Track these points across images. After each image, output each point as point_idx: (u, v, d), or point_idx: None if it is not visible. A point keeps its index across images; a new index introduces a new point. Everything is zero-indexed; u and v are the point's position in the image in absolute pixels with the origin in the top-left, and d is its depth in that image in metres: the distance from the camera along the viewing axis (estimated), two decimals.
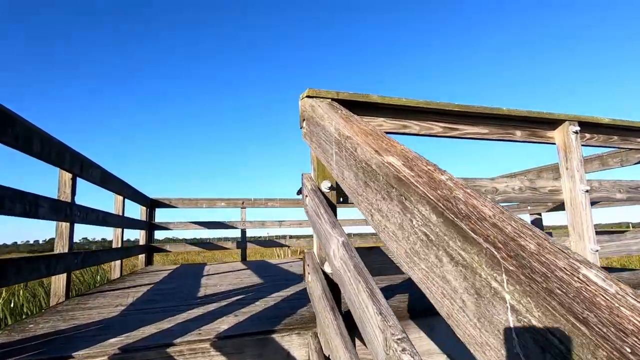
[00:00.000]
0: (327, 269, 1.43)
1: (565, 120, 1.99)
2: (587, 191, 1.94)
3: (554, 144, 2.08)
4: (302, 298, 2.14)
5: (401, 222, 0.74)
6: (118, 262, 3.78)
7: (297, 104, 1.59)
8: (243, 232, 5.85)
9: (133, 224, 4.47)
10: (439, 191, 0.69)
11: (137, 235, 5.27)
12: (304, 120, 1.55)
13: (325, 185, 1.47)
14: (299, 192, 5.80)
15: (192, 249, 5.69)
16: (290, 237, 6.89)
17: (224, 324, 1.58)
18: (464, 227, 0.57)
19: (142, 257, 5.06)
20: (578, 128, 1.98)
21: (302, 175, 1.60)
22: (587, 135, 2.12)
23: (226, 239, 6.35)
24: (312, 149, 1.50)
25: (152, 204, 5.44)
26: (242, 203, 5.90)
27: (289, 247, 6.44)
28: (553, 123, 2.02)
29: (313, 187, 1.47)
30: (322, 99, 1.52)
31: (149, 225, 5.31)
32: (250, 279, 3.21)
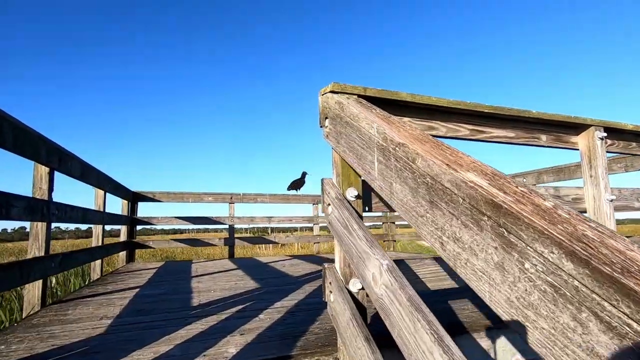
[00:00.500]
0: (353, 287, 1.27)
1: (591, 126, 1.89)
2: (611, 200, 1.85)
3: (577, 149, 1.98)
4: (307, 310, 1.99)
5: (501, 262, 0.58)
6: (99, 261, 3.51)
7: (313, 100, 1.41)
8: (231, 228, 5.62)
9: (114, 219, 4.18)
10: (560, 226, 0.53)
11: (116, 226, 4.97)
12: (326, 118, 1.37)
13: (351, 194, 1.30)
14: (290, 187, 5.60)
15: (177, 246, 5.42)
16: (274, 229, 6.71)
17: (230, 345, 1.40)
18: (633, 287, 0.41)
19: (123, 253, 4.77)
20: (604, 134, 1.88)
21: (322, 181, 1.43)
22: (609, 142, 2.03)
23: (207, 230, 6.11)
24: (336, 151, 1.32)
25: (134, 198, 5.13)
26: (231, 198, 5.67)
27: (278, 243, 6.25)
28: (578, 128, 1.92)
29: (338, 196, 1.30)
30: (348, 95, 1.34)
31: (131, 220, 5.01)
32: (244, 282, 3.02)
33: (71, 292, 2.68)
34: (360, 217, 1.29)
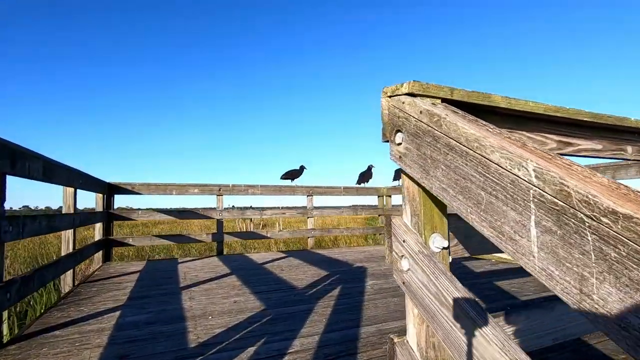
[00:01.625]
0: None
1: None
2: None
3: None
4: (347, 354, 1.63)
5: None
6: (70, 271, 3.02)
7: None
8: (219, 222, 5.17)
9: (88, 219, 3.65)
10: None
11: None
12: (396, 131, 0.96)
13: (437, 243, 0.91)
14: (284, 176, 5.15)
15: (160, 243, 4.94)
16: (264, 218, 6.30)
17: None
18: None
19: (99, 253, 4.26)
20: None
21: (392, 221, 1.02)
22: None
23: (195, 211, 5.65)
24: (415, 180, 0.92)
25: (110, 190, 4.58)
26: (219, 190, 5.19)
27: (270, 239, 5.86)
28: None
29: (422, 249, 0.90)
30: (432, 99, 0.93)
31: (107, 216, 4.47)
32: (244, 298, 2.63)
33: (36, 319, 2.21)
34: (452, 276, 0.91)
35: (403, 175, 0.99)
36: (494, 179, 0.67)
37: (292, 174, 6.05)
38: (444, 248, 0.92)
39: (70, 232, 3.06)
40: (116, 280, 3.36)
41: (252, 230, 8.23)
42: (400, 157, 0.95)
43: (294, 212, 5.83)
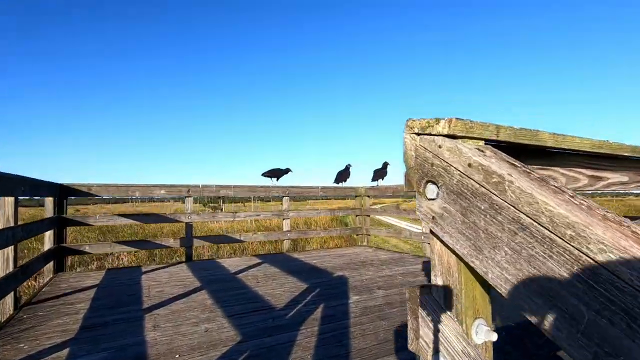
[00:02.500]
0: None
1: None
2: None
3: None
4: None
5: None
6: (10, 294, 2.60)
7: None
8: (189, 226, 4.79)
9: (33, 229, 3.20)
10: None
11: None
12: (428, 181, 0.72)
13: (482, 334, 0.69)
14: (266, 174, 4.82)
15: (121, 250, 4.50)
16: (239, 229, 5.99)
17: None
18: None
19: (50, 263, 3.80)
20: None
21: (420, 298, 0.79)
22: None
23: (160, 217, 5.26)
24: (457, 253, 0.69)
25: (62, 193, 4.09)
26: (188, 191, 4.80)
27: (243, 242, 5.54)
28: None
29: (464, 345, 0.68)
30: (475, 142, 0.71)
31: (60, 221, 4.00)
32: (217, 324, 2.35)
33: None
34: None
35: (434, 238, 0.76)
36: (606, 293, 0.46)
37: (275, 173, 5.73)
38: (489, 341, 0.71)
39: (9, 249, 2.63)
40: (68, 300, 2.96)
41: (224, 233, 7.86)
42: (433, 217, 0.72)
43: (269, 214, 5.55)
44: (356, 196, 6.35)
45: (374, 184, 6.15)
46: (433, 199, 0.72)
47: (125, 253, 5.83)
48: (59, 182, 4.05)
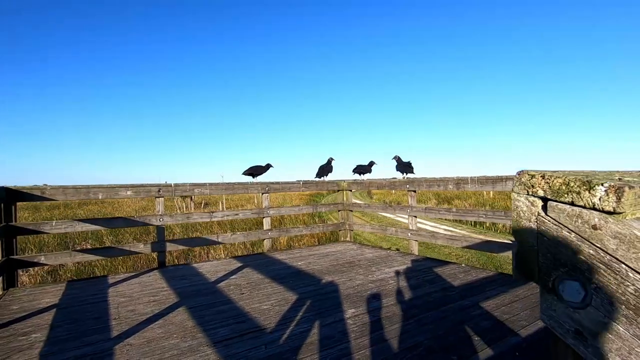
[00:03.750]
0: None
1: None
2: None
3: None
4: None
5: None
6: None
7: None
8: (160, 229, 4.38)
9: None
10: None
11: None
12: (567, 275, 0.48)
13: None
14: (246, 172, 4.49)
15: (84, 259, 4.03)
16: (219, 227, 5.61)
17: None
18: None
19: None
20: None
21: None
22: None
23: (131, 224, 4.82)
24: None
25: (9, 197, 3.55)
26: (159, 191, 4.37)
27: (222, 243, 5.19)
28: None
29: None
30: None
31: (7, 230, 3.48)
32: (203, 357, 2.06)
33: None
34: None
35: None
36: None
37: (255, 170, 5.42)
38: None
39: None
40: (20, 329, 2.54)
41: (200, 235, 7.41)
42: (577, 331, 0.47)
43: (248, 213, 5.21)
44: (338, 190, 6.14)
45: (320, 179, 6.00)
46: (577, 305, 0.47)
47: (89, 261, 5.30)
48: (9, 184, 3.51)
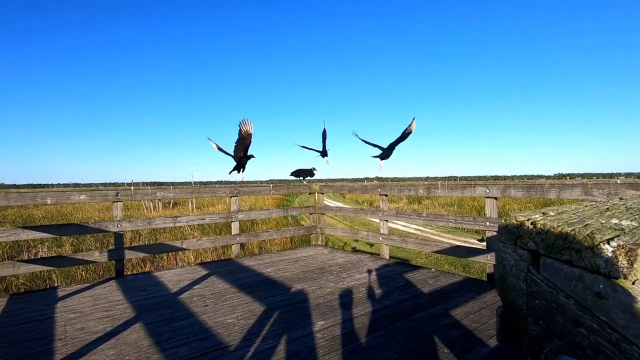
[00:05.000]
0: None
1: None
2: None
3: None
4: None
5: None
6: None
7: None
8: (118, 236, 4.09)
9: None
10: None
11: None
12: (562, 351, 0.39)
13: None
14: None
15: (30, 270, 3.68)
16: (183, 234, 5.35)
17: None
18: None
19: None
20: None
21: None
22: None
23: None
24: None
25: None
26: (117, 194, 4.08)
27: (187, 249, 4.94)
28: None
29: None
30: None
31: None
32: None
33: None
34: None
35: None
36: None
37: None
38: None
39: None
40: None
41: (164, 241, 7.05)
42: None
43: (215, 218, 4.99)
44: (310, 193, 6.03)
45: (292, 182, 6.11)
46: None
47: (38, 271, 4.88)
48: None
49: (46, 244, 8.56)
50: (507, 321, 0.45)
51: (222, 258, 5.66)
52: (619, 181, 2.80)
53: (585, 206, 0.61)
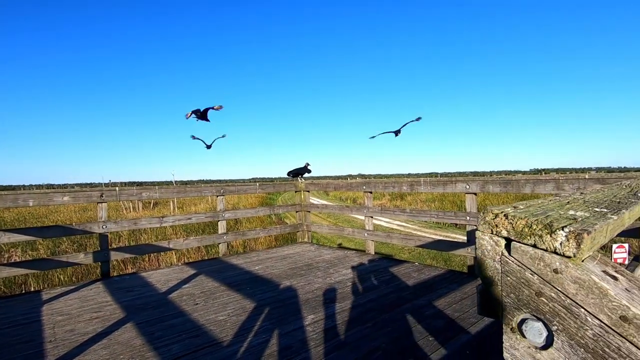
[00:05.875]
0: None
1: None
2: None
3: None
4: None
5: None
6: None
7: None
8: (103, 237, 4.05)
9: None
10: None
11: None
12: (529, 316, 0.48)
13: None
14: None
15: (12, 273, 3.60)
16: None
17: None
18: None
19: None
20: None
21: None
22: None
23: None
24: None
25: None
26: (101, 195, 4.03)
27: (174, 250, 4.93)
28: None
29: None
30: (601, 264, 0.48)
31: None
32: None
33: None
34: None
35: None
36: None
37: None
38: None
39: None
40: None
41: (150, 241, 6.96)
42: None
43: (202, 217, 4.99)
44: (296, 191, 6.10)
45: (278, 181, 6.35)
46: (539, 346, 0.48)
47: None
48: None
49: (19, 247, 8.28)
50: (486, 296, 0.55)
51: (209, 257, 5.66)
52: (587, 176, 3.00)
53: (550, 200, 0.72)
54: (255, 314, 2.81)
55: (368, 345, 2.25)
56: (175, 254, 6.63)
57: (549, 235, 0.47)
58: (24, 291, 5.12)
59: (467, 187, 3.80)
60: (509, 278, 0.51)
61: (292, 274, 3.97)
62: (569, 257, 0.46)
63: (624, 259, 3.33)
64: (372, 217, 4.94)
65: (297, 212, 6.09)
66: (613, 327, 0.42)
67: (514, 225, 0.50)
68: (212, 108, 5.11)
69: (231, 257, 4.93)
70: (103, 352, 2.25)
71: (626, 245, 3.35)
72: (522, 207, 0.58)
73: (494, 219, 0.52)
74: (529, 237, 0.48)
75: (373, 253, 4.88)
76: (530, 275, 0.48)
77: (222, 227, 5.06)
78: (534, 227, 0.48)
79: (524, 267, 0.49)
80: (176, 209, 17.72)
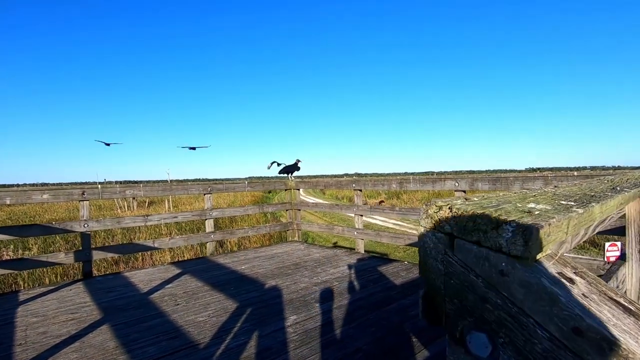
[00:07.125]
0: None
1: None
2: None
3: None
4: None
5: None
6: None
7: None
8: (85, 236, 3.95)
9: None
10: None
11: None
12: (473, 325, 0.41)
13: None
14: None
15: None
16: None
17: None
18: None
19: None
20: None
21: None
22: None
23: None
24: None
25: None
26: (82, 193, 3.93)
27: (159, 249, 4.83)
28: None
29: None
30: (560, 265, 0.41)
31: None
32: None
33: None
34: None
35: None
36: None
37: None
38: None
39: None
40: None
41: (137, 240, 6.84)
42: None
43: (189, 216, 4.90)
44: (286, 189, 6.02)
45: (268, 178, 6.28)
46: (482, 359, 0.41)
47: None
48: None
49: (11, 247, 8.14)
50: (429, 301, 0.47)
51: (197, 257, 5.57)
52: (575, 173, 2.95)
53: (515, 193, 0.64)
54: (237, 315, 2.73)
55: (351, 346, 2.18)
56: (166, 253, 6.53)
57: (494, 231, 0.39)
58: (6, 291, 5.00)
59: (456, 184, 3.74)
60: (452, 281, 0.44)
61: (278, 273, 3.89)
62: (516, 256, 0.38)
63: (617, 257, 3.27)
64: (361, 215, 4.87)
65: (287, 210, 6.01)
66: (564, 342, 0.35)
67: (457, 219, 0.42)
68: (202, 147, 5.61)
69: (219, 257, 4.84)
70: (74, 356, 2.16)
71: (619, 243, 3.29)
72: (476, 199, 0.51)
73: (437, 212, 0.45)
74: (472, 233, 0.41)
75: (363, 252, 4.82)
76: (475, 278, 0.41)
77: (209, 225, 4.97)
78: (478, 221, 0.41)
79: (468, 268, 0.42)
80: (171, 207, 17.58)
